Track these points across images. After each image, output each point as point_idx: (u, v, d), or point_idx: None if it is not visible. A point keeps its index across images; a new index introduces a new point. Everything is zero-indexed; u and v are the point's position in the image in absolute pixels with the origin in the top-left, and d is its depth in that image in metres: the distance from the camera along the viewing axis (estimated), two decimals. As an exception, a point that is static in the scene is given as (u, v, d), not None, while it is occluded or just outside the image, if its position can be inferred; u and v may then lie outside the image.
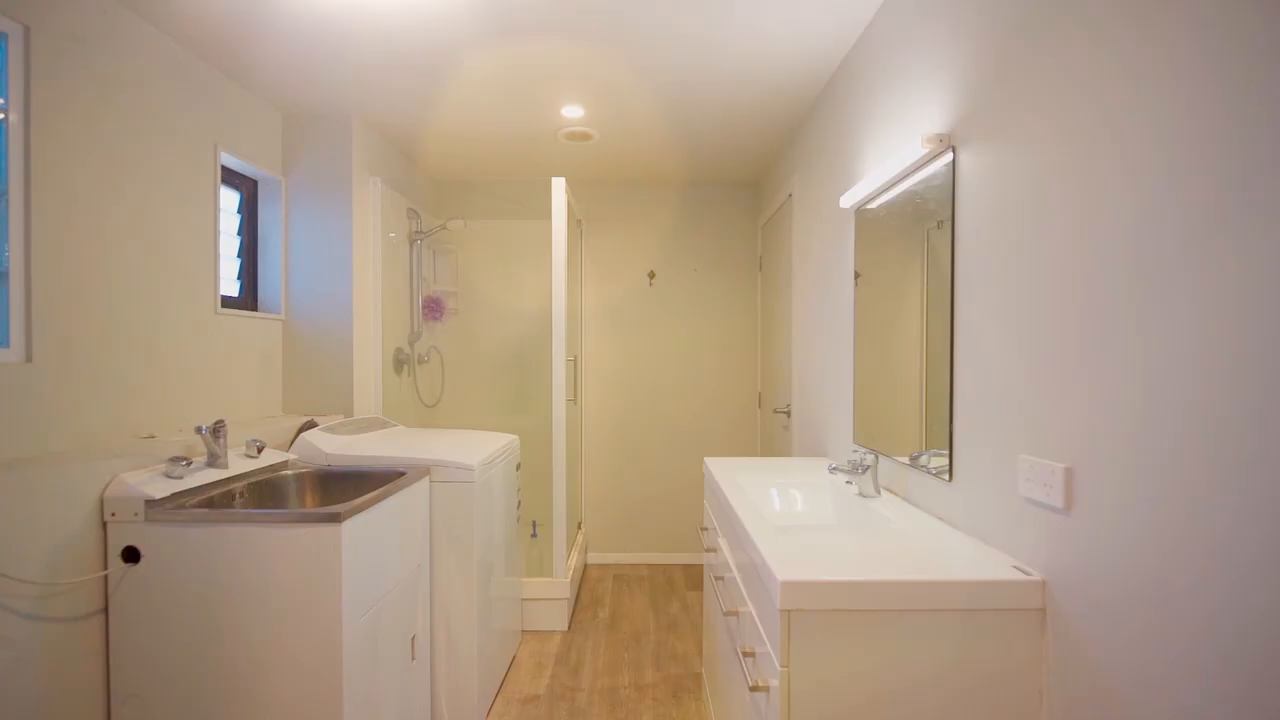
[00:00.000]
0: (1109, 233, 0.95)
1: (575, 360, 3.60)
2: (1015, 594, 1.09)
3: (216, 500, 1.70)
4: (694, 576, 3.66)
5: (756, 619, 1.29)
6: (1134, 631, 0.91)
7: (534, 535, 3.55)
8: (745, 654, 1.31)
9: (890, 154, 1.78)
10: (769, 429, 3.50)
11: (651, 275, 3.88)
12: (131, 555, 1.52)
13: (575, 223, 3.64)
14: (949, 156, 1.42)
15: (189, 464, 1.67)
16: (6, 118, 1.55)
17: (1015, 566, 1.15)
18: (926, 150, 1.45)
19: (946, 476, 1.45)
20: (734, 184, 3.84)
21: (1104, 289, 0.96)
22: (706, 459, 2.27)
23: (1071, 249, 1.03)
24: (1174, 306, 0.84)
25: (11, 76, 1.56)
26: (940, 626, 1.09)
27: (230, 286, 2.53)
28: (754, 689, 1.18)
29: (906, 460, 1.67)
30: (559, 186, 2.89)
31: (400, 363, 3.19)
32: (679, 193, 3.87)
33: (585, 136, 2.95)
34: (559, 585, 2.91)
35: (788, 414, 2.99)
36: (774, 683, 1.12)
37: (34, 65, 1.58)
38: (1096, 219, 0.98)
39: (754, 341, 3.87)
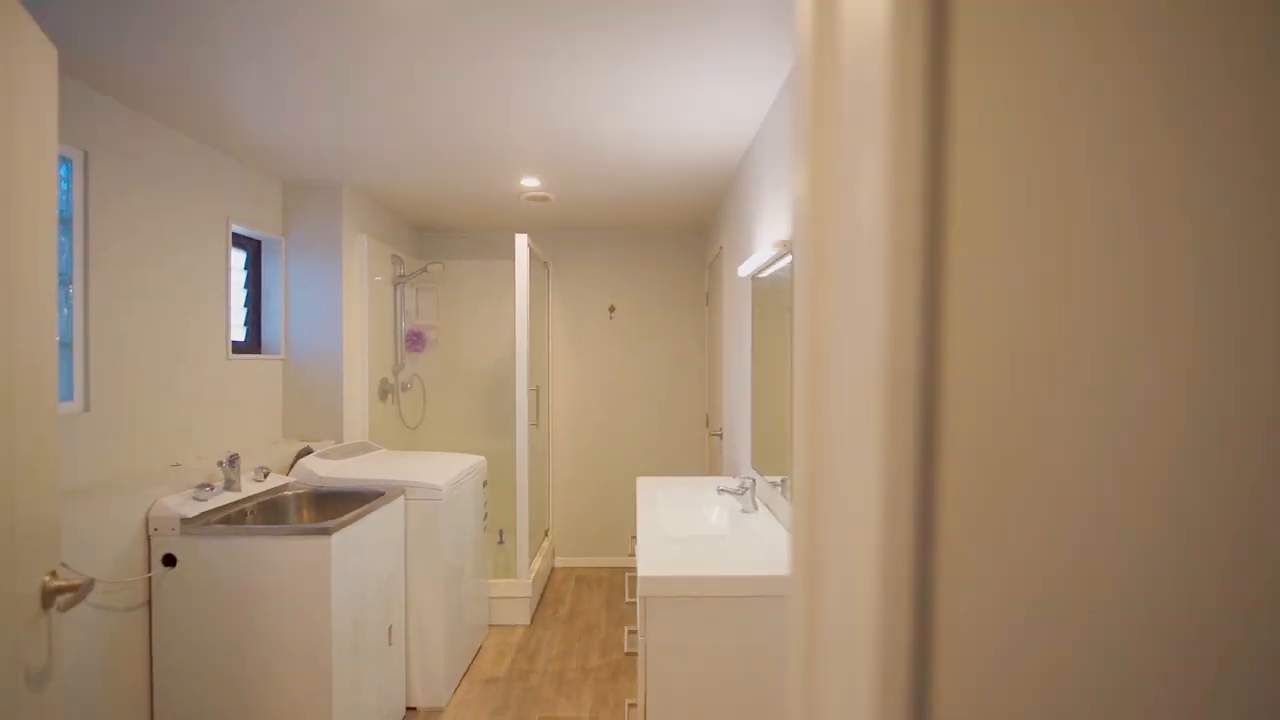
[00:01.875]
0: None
1: (539, 390, 4.06)
2: (804, 584, 1.55)
3: (233, 518, 2.15)
4: (648, 578, 4.11)
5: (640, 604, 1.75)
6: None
7: (501, 542, 4.00)
8: (631, 631, 1.77)
9: (769, 238, 2.25)
10: (712, 448, 3.97)
11: (612, 309, 4.34)
12: (169, 561, 1.97)
13: (541, 265, 4.11)
14: (789, 259, 1.89)
15: (211, 489, 2.13)
16: (70, 224, 2.01)
17: (812, 565, 1.61)
18: (774, 253, 1.92)
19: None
20: (683, 228, 4.32)
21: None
22: (639, 478, 2.73)
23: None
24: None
25: (75, 190, 2.02)
26: (754, 608, 1.55)
27: (238, 333, 2.98)
28: (628, 654, 1.64)
29: (778, 481, 2.14)
30: (521, 243, 3.35)
31: (385, 391, 3.64)
32: (635, 237, 4.34)
33: (544, 199, 3.42)
34: (521, 585, 3.37)
35: (720, 436, 3.46)
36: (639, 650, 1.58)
37: (91, 180, 2.04)
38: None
39: (702, 369, 4.34)
